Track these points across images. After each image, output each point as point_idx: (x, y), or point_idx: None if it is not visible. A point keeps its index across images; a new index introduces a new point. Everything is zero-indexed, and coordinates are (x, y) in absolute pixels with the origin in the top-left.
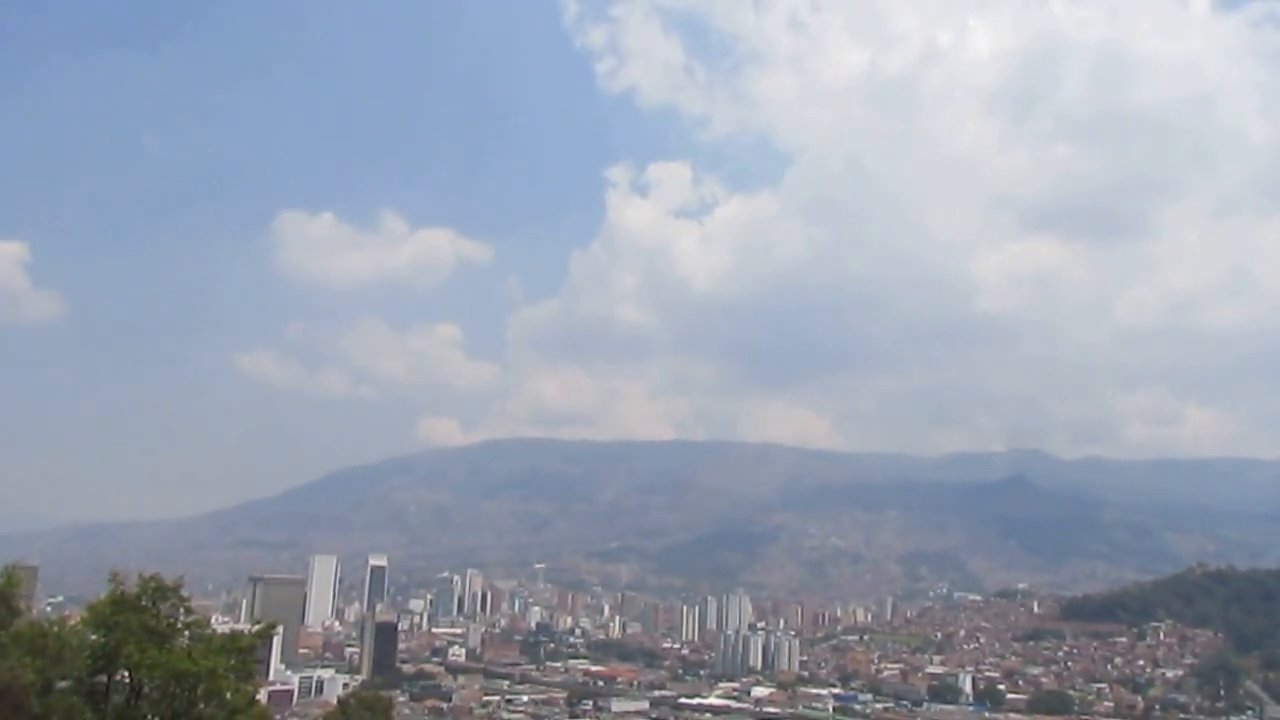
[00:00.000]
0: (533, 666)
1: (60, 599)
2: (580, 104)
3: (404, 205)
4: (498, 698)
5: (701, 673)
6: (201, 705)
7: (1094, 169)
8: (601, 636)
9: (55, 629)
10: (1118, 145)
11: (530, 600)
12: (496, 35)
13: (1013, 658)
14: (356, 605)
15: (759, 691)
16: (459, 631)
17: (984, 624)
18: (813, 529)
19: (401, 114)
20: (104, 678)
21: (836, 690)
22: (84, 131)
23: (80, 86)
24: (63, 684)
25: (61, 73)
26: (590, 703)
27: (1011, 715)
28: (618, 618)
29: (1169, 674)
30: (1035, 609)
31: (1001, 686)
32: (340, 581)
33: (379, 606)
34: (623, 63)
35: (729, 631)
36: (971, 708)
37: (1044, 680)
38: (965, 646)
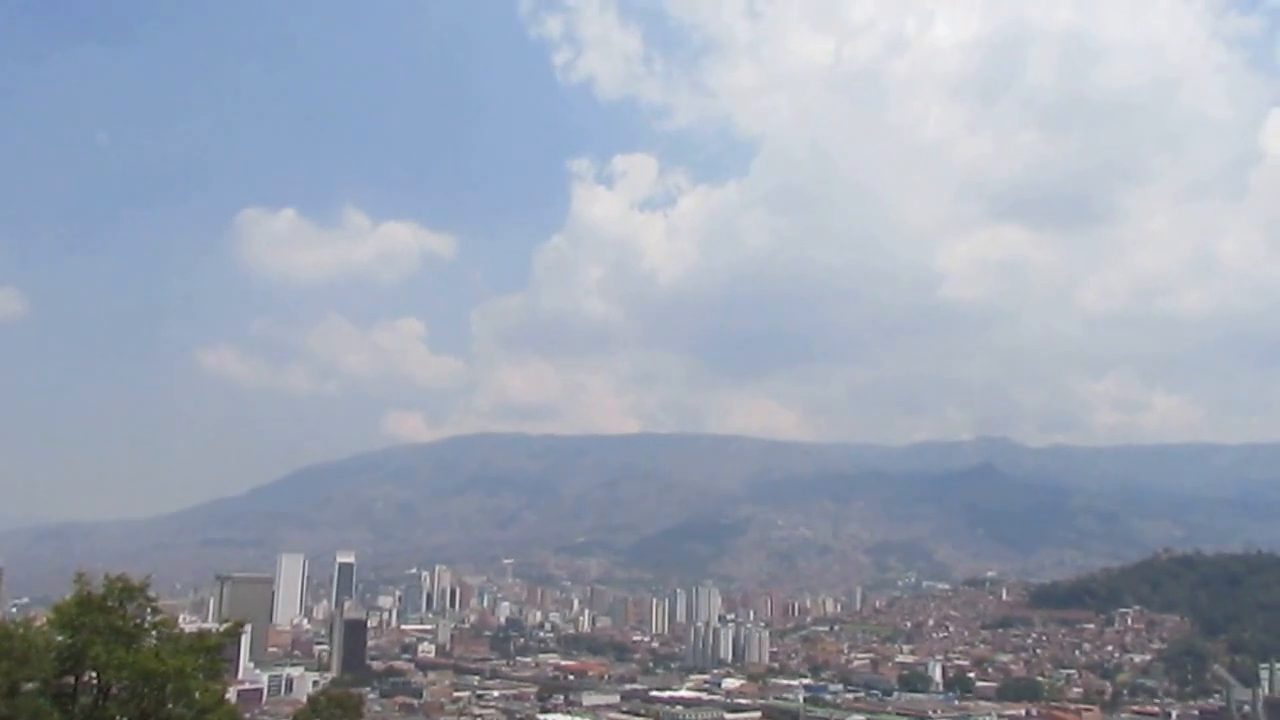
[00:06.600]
0: (503, 662)
1: (25, 600)
2: (539, 96)
3: (366, 200)
4: (468, 694)
5: (672, 665)
6: (170, 705)
7: (1060, 155)
8: (571, 631)
9: (21, 631)
10: (1084, 131)
11: (499, 596)
12: (451, 26)
13: (982, 646)
14: (325, 603)
15: (730, 683)
16: (428, 628)
17: (953, 613)
18: (781, 520)
19: (360, 108)
20: (71, 679)
21: (807, 681)
22: (42, 127)
23: (39, 82)
24: (29, 686)
25: (20, 67)
26: (561, 697)
27: (981, 703)
28: (587, 612)
29: (1137, 659)
30: (1004, 597)
31: (971, 674)
32: (308, 579)
33: (347, 604)
34: (580, 53)
35: (699, 624)
36: (941, 696)
37: (1013, 667)
38: (934, 635)
